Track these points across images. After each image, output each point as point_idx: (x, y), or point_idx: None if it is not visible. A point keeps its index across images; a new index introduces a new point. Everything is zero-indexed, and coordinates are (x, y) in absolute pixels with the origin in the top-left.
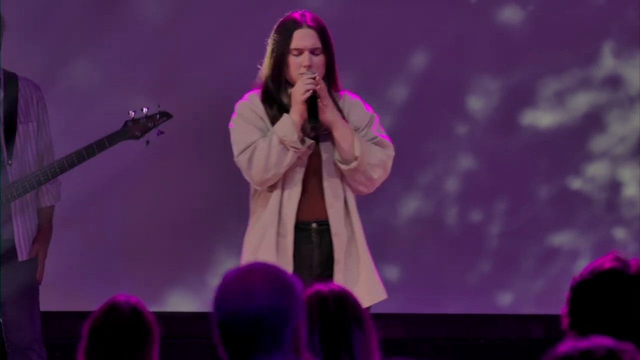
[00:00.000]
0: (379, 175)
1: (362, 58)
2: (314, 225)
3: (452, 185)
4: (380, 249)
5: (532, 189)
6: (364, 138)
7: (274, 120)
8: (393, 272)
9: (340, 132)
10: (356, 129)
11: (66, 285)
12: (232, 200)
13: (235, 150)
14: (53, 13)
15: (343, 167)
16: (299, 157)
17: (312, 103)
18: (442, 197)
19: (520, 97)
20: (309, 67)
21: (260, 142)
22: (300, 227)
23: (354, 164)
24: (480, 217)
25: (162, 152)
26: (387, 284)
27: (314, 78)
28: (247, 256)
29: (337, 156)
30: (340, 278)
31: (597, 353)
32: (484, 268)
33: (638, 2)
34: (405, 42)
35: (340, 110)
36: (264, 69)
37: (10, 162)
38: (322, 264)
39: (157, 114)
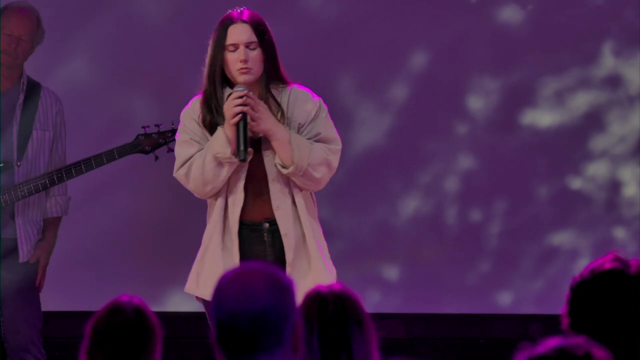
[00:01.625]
0: (322, 174)
1: (362, 58)
2: (266, 225)
3: (452, 185)
4: (380, 249)
5: (532, 188)
6: (304, 137)
7: (211, 127)
8: (393, 272)
9: (277, 138)
10: (299, 126)
11: (66, 285)
12: None
13: (175, 165)
14: (55, 12)
15: (283, 171)
16: (239, 165)
17: (241, 131)
18: (442, 196)
19: (520, 97)
20: (245, 61)
21: (197, 157)
22: (252, 228)
23: (291, 169)
24: (480, 217)
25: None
26: (387, 283)
27: (242, 97)
28: (197, 260)
29: (277, 160)
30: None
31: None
32: (484, 268)
33: (638, 2)
34: (405, 42)
35: (279, 106)
36: (205, 69)
37: (19, 163)
38: (276, 264)
39: (169, 132)
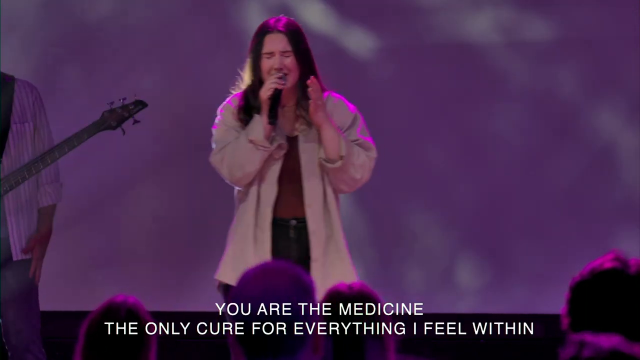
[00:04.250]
0: (361, 175)
1: (363, 58)
2: (292, 222)
3: (452, 185)
4: (381, 249)
5: (532, 188)
6: (347, 139)
7: (246, 124)
8: (393, 272)
9: (328, 132)
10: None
11: (65, 285)
12: (232, 200)
13: (213, 151)
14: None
15: (328, 165)
16: (272, 157)
17: (273, 101)
18: (442, 197)
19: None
20: (280, 69)
21: (232, 142)
22: (279, 224)
23: (338, 164)
24: (479, 217)
25: (161, 153)
26: (387, 284)
27: (280, 77)
28: (229, 249)
29: (322, 154)
30: (318, 276)
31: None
32: (484, 268)
33: (638, 3)
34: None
35: None
36: (244, 74)
37: (1, 159)
38: (301, 260)
39: (131, 104)
